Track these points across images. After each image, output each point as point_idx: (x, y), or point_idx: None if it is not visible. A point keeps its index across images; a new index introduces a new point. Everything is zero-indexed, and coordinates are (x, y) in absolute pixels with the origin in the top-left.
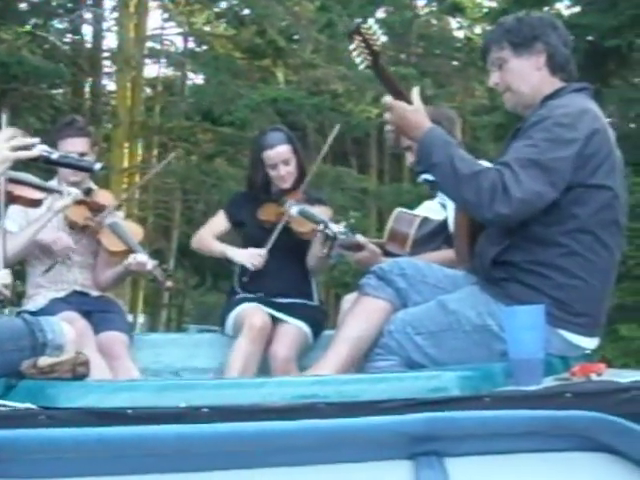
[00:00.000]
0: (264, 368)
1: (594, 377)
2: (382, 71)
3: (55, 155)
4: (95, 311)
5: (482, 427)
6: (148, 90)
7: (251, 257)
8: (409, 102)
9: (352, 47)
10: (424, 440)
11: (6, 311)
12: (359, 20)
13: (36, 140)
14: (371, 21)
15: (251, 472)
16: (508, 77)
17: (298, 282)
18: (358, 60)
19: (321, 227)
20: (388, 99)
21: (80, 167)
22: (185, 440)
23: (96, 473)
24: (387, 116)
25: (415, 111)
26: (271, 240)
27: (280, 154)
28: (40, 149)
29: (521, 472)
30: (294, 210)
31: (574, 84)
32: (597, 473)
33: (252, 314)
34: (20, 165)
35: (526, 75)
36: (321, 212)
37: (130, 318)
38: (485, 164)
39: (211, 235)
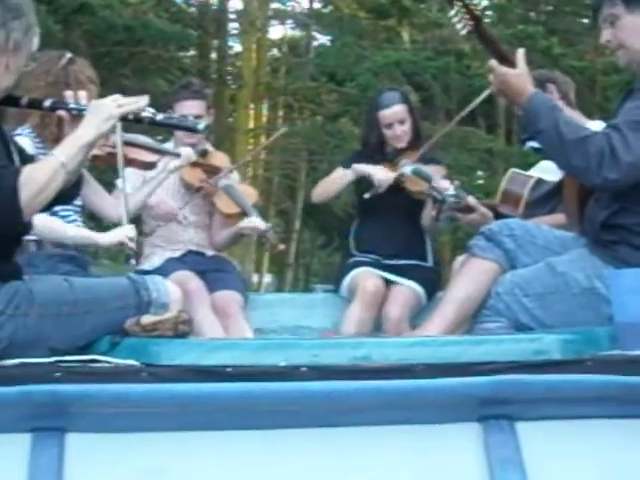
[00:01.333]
0: (378, 328)
1: None
2: (484, 35)
3: (160, 116)
4: (210, 270)
5: (554, 392)
6: (274, 51)
7: (378, 172)
8: (514, 66)
9: (452, 13)
10: (494, 403)
11: (133, 261)
12: None
13: (142, 99)
14: None
15: (326, 430)
16: (621, 34)
17: (412, 243)
18: (459, 26)
19: (430, 190)
20: (492, 62)
21: (184, 127)
22: (279, 397)
23: (194, 427)
24: (492, 79)
25: (518, 75)
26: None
27: (396, 113)
28: (144, 108)
29: (594, 438)
30: (408, 169)
31: None
32: None
33: (365, 278)
34: (135, 129)
35: (639, 31)
36: (435, 171)
37: (256, 278)
38: (593, 126)
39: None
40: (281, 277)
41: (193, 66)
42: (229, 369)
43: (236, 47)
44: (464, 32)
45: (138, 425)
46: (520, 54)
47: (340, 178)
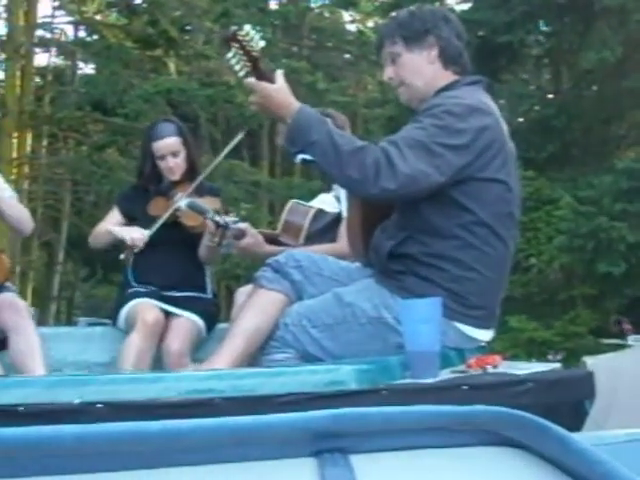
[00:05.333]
0: (158, 363)
1: (490, 369)
2: (262, 76)
3: None
4: None
5: (388, 423)
6: (38, 79)
7: (132, 232)
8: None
9: (230, 55)
10: (329, 437)
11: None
12: (234, 27)
13: None
14: (247, 27)
15: (154, 472)
16: (401, 71)
17: (191, 275)
18: (237, 67)
19: (211, 216)
20: (250, 80)
21: None
22: (84, 440)
23: None
24: (252, 98)
25: (278, 90)
26: (155, 226)
27: (168, 145)
28: None
29: (427, 468)
30: (183, 203)
31: (468, 77)
32: (502, 468)
33: (144, 310)
34: None
35: (419, 69)
36: (210, 203)
37: None
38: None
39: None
40: (43, 310)
41: None
42: (21, 408)
43: None
44: (242, 74)
45: None
46: (279, 72)
47: (104, 236)
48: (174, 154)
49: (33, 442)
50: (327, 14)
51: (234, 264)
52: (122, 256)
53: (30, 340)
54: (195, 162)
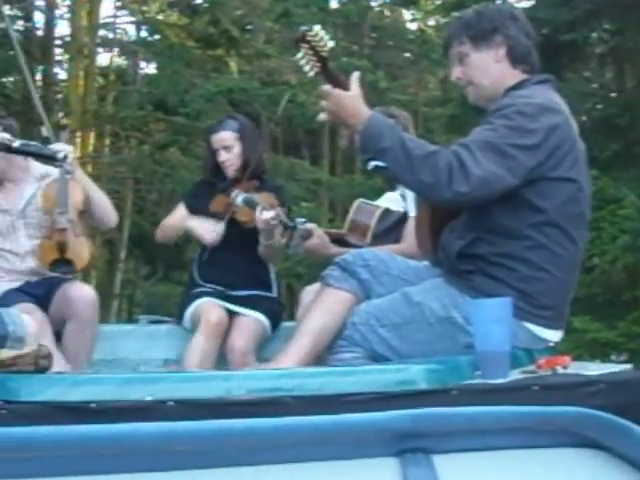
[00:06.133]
0: (222, 361)
1: (560, 370)
2: (332, 76)
3: (17, 143)
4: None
5: (470, 423)
6: (100, 79)
7: (208, 232)
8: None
9: (299, 56)
10: (411, 437)
11: None
12: (304, 28)
13: None
14: (317, 27)
15: (236, 470)
16: (469, 71)
17: (256, 273)
18: (307, 68)
19: (275, 215)
20: (326, 87)
21: (43, 156)
22: (166, 438)
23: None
24: (324, 104)
25: (352, 97)
26: (221, 226)
27: (221, 139)
28: (1, 137)
29: (508, 469)
30: (239, 199)
31: (537, 76)
32: (583, 469)
33: (208, 310)
34: None
35: (486, 68)
36: (265, 199)
37: None
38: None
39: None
40: (105, 307)
41: (17, 92)
42: (93, 405)
43: (62, 74)
44: (312, 74)
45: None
46: (355, 77)
47: (176, 226)
48: (226, 148)
49: (113, 440)
50: (387, 13)
51: (296, 262)
52: (204, 257)
53: (86, 334)
54: (249, 159)
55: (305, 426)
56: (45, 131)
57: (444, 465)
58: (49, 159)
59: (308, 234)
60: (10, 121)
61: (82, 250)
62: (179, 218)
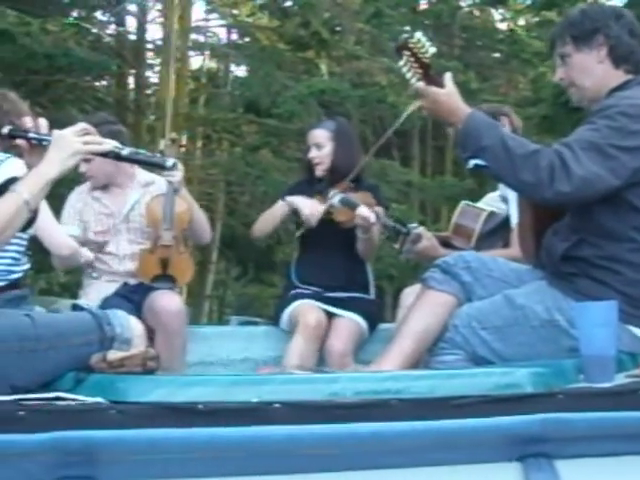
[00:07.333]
0: (320, 363)
1: None
2: (434, 82)
3: (125, 151)
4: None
5: (593, 428)
6: (191, 82)
7: (308, 206)
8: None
9: (401, 63)
10: (534, 441)
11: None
12: (405, 35)
13: (108, 144)
14: (418, 34)
15: (360, 474)
16: (571, 72)
17: (354, 275)
18: (409, 75)
19: (387, 223)
20: (419, 85)
21: (151, 164)
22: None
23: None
24: (422, 103)
25: (448, 95)
26: (322, 208)
27: (313, 137)
28: (111, 145)
29: (631, 475)
30: (336, 199)
31: None
32: None
33: (306, 312)
34: None
35: (588, 69)
36: (362, 198)
37: None
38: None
39: None
40: (197, 308)
41: (110, 95)
42: (200, 406)
43: (154, 77)
44: (414, 81)
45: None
46: (448, 76)
47: (275, 211)
48: (317, 146)
49: (244, 442)
50: (477, 13)
51: (387, 264)
52: (297, 233)
53: (175, 344)
54: (338, 160)
55: (429, 431)
56: (162, 144)
57: (566, 470)
58: (157, 166)
59: (418, 238)
60: (120, 127)
61: (185, 268)
62: (278, 207)
